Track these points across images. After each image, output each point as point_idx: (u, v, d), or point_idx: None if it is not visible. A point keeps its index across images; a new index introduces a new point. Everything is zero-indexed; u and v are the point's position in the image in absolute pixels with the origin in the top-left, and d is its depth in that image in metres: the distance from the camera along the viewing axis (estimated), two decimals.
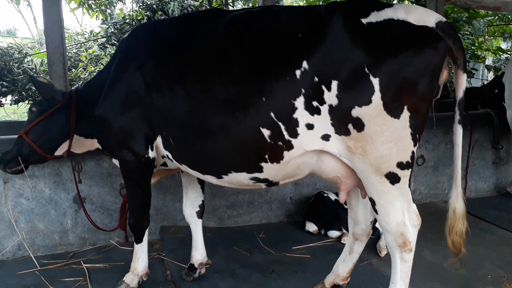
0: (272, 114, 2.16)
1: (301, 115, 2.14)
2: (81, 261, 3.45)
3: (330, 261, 3.43)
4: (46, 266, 3.40)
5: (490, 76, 13.28)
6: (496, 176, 5.43)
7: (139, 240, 2.97)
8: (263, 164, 2.32)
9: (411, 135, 2.06)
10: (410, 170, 2.15)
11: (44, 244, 3.67)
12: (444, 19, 2.05)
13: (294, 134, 2.18)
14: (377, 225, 3.80)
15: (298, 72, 2.09)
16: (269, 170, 2.35)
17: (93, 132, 3.04)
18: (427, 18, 2.04)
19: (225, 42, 2.33)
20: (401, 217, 2.19)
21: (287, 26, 2.22)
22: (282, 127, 2.17)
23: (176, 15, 9.18)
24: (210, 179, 2.59)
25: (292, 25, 2.20)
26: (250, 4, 10.68)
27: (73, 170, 3.42)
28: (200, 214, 3.23)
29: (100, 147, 3.14)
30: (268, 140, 2.22)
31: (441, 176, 5.13)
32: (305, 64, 2.08)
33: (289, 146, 2.22)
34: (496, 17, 10.56)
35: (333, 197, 4.23)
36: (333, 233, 3.95)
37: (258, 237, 3.98)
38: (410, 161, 2.12)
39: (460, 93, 2.17)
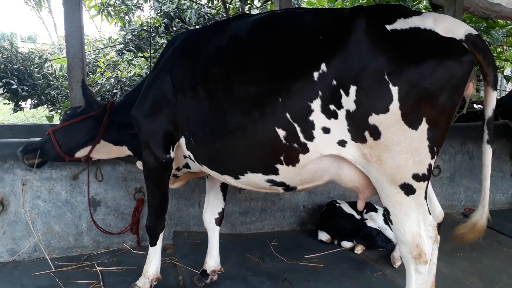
0: (287, 115, 2.16)
1: (318, 117, 2.12)
2: (95, 264, 3.48)
3: (343, 270, 3.41)
4: (60, 268, 3.44)
5: (509, 86, 13.04)
6: None
7: (153, 243, 3.00)
8: (278, 166, 2.32)
9: (429, 148, 2.02)
10: (426, 182, 2.10)
11: (59, 246, 3.72)
12: (475, 32, 1.96)
13: (310, 137, 2.17)
14: (391, 236, 3.79)
15: (316, 74, 2.08)
16: (285, 173, 2.35)
17: (125, 139, 3.21)
18: (456, 29, 1.96)
19: (246, 43, 2.37)
20: (416, 228, 2.14)
21: (309, 28, 2.21)
22: (298, 128, 2.17)
23: (193, 23, 9.27)
24: (228, 179, 2.61)
25: (313, 27, 2.19)
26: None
27: (88, 175, 3.58)
28: (218, 222, 3.26)
29: (132, 154, 3.30)
30: (283, 141, 2.21)
31: (457, 187, 5.05)
32: (323, 67, 2.06)
33: (305, 149, 2.20)
34: None
35: (345, 206, 4.18)
36: (346, 244, 3.92)
37: (271, 244, 3.96)
38: (426, 173, 2.07)
39: (489, 112, 2.07)
